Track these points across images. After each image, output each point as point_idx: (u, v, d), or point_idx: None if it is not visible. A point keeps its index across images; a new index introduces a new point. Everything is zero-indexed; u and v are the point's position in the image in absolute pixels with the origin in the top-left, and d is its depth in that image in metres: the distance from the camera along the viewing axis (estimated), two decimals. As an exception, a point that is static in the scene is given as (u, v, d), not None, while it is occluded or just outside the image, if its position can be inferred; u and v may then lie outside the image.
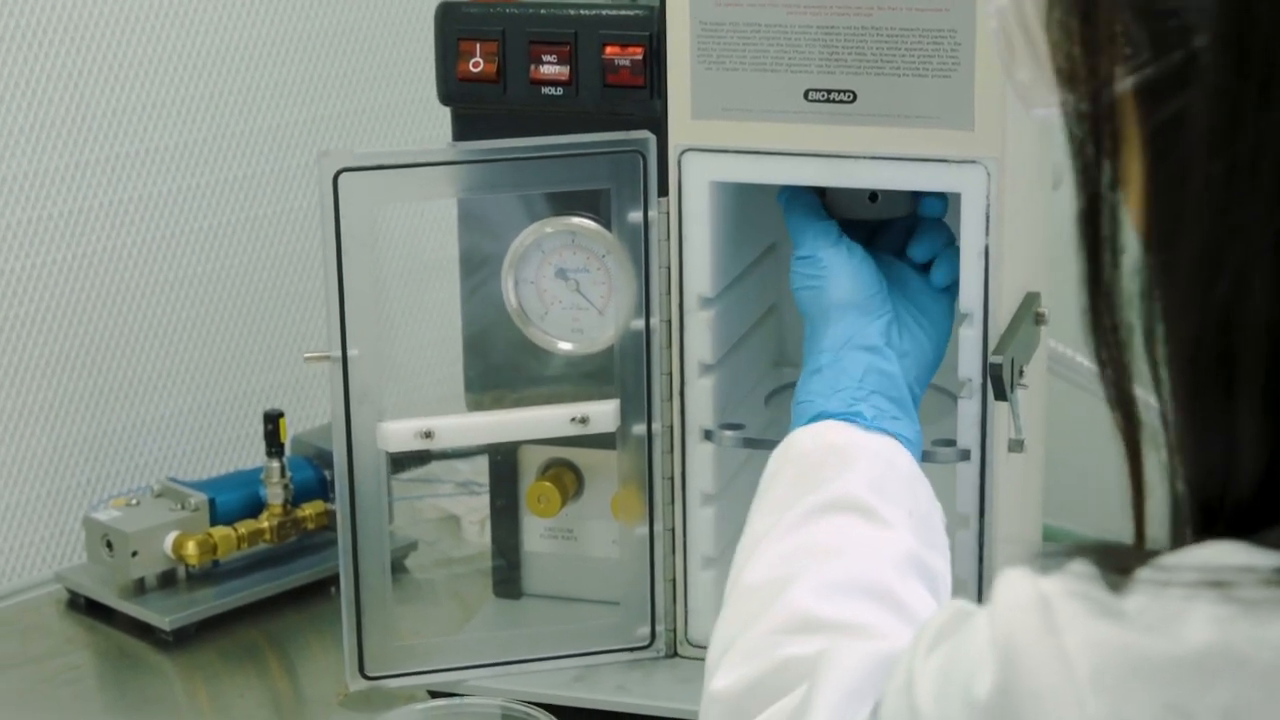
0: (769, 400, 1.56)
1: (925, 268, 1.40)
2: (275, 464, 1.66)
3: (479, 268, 1.50)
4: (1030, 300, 1.47)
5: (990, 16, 0.83)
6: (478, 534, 1.76)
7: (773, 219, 1.59)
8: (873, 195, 1.45)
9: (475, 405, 1.52)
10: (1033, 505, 1.58)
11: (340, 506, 1.44)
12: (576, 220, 1.47)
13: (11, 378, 1.70)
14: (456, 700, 1.43)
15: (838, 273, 1.34)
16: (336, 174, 1.39)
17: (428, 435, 1.44)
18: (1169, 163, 0.71)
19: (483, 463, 1.61)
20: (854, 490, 1.19)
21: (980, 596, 1.43)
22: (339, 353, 1.42)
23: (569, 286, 1.48)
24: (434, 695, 1.47)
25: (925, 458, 1.44)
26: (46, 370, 1.72)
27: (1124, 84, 0.71)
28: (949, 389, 1.48)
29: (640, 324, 1.46)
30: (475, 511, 1.78)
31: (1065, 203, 1.60)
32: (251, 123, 1.82)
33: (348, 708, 1.49)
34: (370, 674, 1.46)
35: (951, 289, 1.39)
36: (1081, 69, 0.72)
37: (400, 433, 1.44)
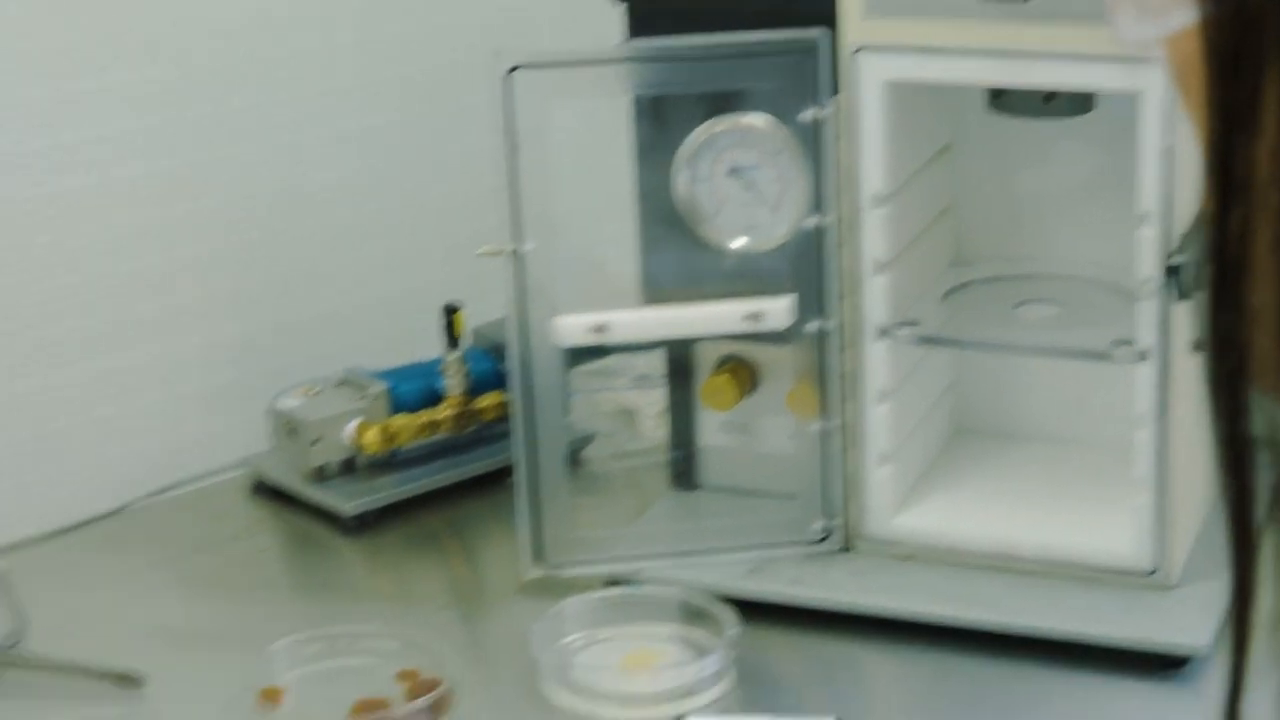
0: (946, 297, 1.56)
1: None
2: (453, 355, 1.69)
3: (652, 165, 1.50)
4: (1210, 199, 1.45)
5: None
6: (654, 427, 1.77)
7: (946, 119, 1.58)
8: (1048, 96, 1.44)
9: (650, 300, 1.53)
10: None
11: (515, 401, 1.46)
12: (749, 118, 1.47)
13: (204, 267, 1.74)
14: (635, 589, 1.45)
15: None
16: (509, 71, 1.41)
17: (601, 330, 1.46)
18: None
19: (660, 356, 1.62)
20: None
21: (1159, 498, 1.43)
22: (513, 247, 1.44)
23: (741, 185, 1.49)
24: (610, 585, 1.49)
25: (1102, 358, 1.44)
26: (235, 261, 1.76)
27: None
28: (1128, 288, 1.47)
29: (814, 222, 1.46)
30: (652, 405, 1.79)
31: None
32: (429, 22, 1.83)
33: (526, 595, 1.51)
34: (547, 562, 1.49)
35: None
36: None
37: (574, 327, 1.45)
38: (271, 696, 1.36)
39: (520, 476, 1.48)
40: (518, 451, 1.47)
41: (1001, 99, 1.47)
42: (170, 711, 1.37)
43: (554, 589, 1.49)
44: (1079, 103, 1.46)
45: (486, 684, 1.40)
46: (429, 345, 1.76)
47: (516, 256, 1.44)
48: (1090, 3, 1.35)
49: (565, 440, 1.49)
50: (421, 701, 1.33)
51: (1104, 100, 1.46)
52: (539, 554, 1.49)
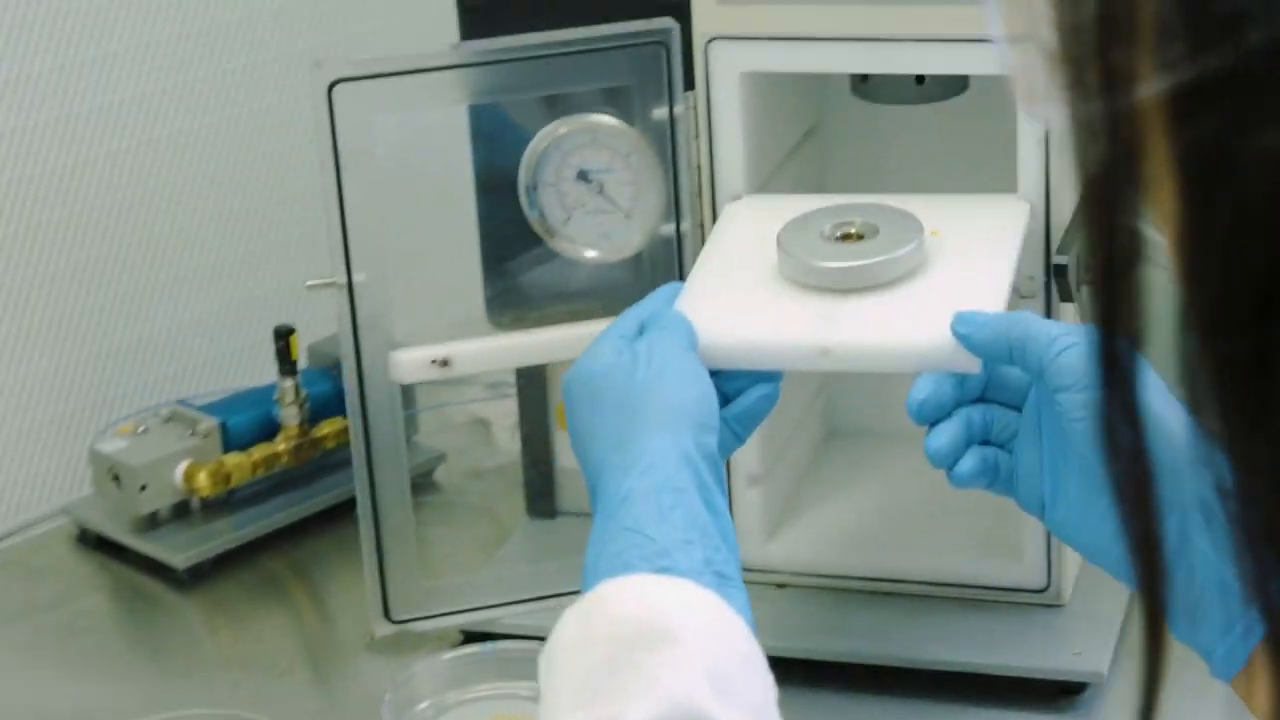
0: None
1: None
2: (288, 383, 1.55)
3: (496, 177, 1.38)
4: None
5: None
6: (510, 440, 1.65)
7: (810, 101, 1.47)
8: (919, 79, 1.33)
9: (497, 326, 1.41)
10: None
11: (356, 446, 1.34)
12: (596, 117, 1.35)
13: (14, 297, 1.59)
14: (491, 646, 1.33)
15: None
16: (331, 85, 1.27)
17: (445, 364, 1.33)
18: (1207, 201, 0.51)
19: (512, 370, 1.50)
20: (691, 696, 0.92)
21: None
22: (344, 279, 1.31)
23: (592, 189, 1.36)
24: (468, 636, 1.38)
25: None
26: (48, 287, 1.61)
27: (1151, 88, 0.50)
28: (1014, 287, 1.36)
29: (670, 229, 1.35)
30: (507, 416, 1.67)
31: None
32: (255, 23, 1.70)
33: (376, 651, 1.39)
34: (396, 618, 1.36)
35: None
36: (1095, 65, 0.51)
37: (414, 362, 1.33)
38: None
39: (364, 527, 1.35)
40: (363, 501, 1.35)
41: (868, 84, 1.36)
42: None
43: (407, 643, 1.38)
44: (952, 85, 1.35)
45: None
46: (266, 364, 1.63)
47: (347, 289, 1.31)
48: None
49: (408, 486, 1.36)
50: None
51: (978, 80, 1.35)
52: (387, 610, 1.36)
